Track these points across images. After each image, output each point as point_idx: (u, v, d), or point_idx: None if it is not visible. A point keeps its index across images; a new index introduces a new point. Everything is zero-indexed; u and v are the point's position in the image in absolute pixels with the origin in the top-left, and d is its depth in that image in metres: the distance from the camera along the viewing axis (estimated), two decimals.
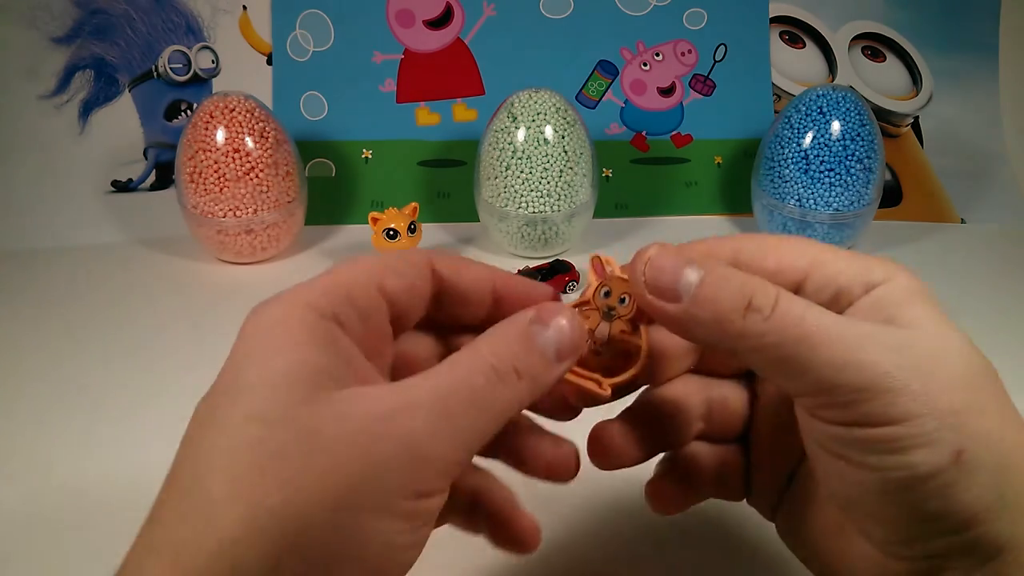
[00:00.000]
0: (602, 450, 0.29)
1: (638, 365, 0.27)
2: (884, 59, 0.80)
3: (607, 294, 0.27)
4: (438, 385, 0.23)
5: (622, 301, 0.27)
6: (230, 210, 0.64)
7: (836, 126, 0.63)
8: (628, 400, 0.31)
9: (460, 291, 0.28)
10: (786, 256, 0.26)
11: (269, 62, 0.77)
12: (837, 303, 0.25)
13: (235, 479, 0.21)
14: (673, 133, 0.78)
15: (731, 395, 0.31)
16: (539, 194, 0.64)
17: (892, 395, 0.22)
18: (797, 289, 0.26)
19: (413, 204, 0.64)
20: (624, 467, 0.30)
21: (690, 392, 0.30)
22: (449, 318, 0.29)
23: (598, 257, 0.27)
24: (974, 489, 0.22)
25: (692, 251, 0.26)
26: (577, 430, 0.30)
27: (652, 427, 0.30)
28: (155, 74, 0.76)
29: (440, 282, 0.28)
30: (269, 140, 0.64)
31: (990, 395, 0.23)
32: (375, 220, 0.62)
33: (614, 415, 0.30)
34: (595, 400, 0.27)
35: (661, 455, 0.31)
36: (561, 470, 0.28)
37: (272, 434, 0.21)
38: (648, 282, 0.24)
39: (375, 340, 0.26)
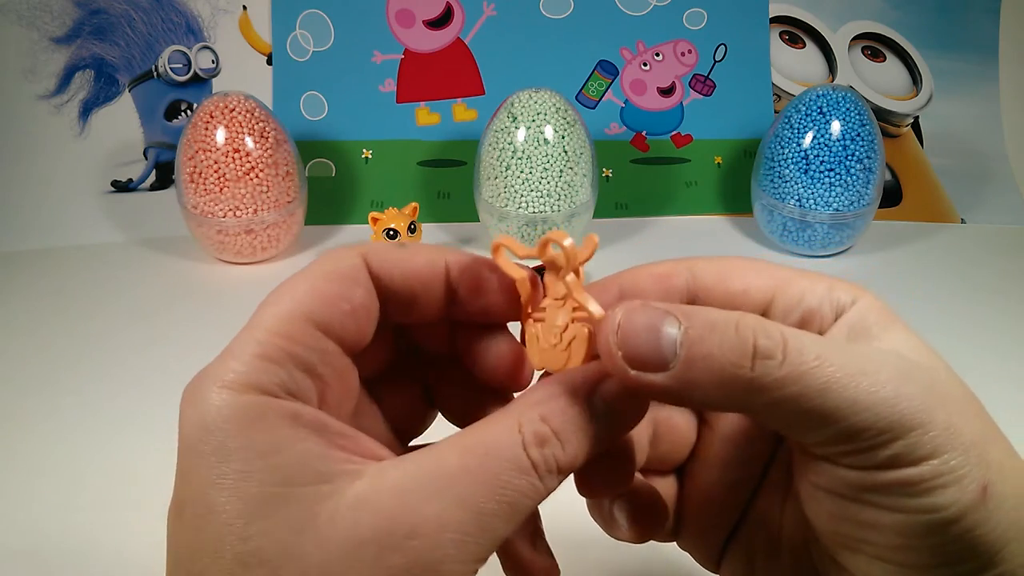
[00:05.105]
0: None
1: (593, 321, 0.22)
2: (884, 59, 0.80)
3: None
4: (461, 489, 0.19)
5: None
6: (230, 210, 0.64)
7: (836, 126, 0.63)
8: None
9: (401, 291, 0.23)
10: (749, 277, 0.23)
11: (269, 62, 0.77)
12: (807, 326, 0.23)
13: None
14: (673, 133, 0.78)
15: (678, 416, 0.26)
16: (539, 194, 0.64)
17: (921, 431, 0.20)
18: (764, 313, 0.23)
19: (413, 204, 0.64)
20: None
21: None
22: (408, 319, 0.25)
23: (535, 273, 0.22)
24: (999, 527, 0.20)
25: (648, 293, 0.23)
26: None
27: (603, 463, 0.23)
28: (155, 74, 0.76)
29: (379, 284, 0.23)
30: (269, 140, 0.64)
31: (987, 419, 0.21)
32: (375, 220, 0.62)
33: None
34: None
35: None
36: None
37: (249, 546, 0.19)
38: (627, 356, 0.20)
39: (337, 378, 0.23)
